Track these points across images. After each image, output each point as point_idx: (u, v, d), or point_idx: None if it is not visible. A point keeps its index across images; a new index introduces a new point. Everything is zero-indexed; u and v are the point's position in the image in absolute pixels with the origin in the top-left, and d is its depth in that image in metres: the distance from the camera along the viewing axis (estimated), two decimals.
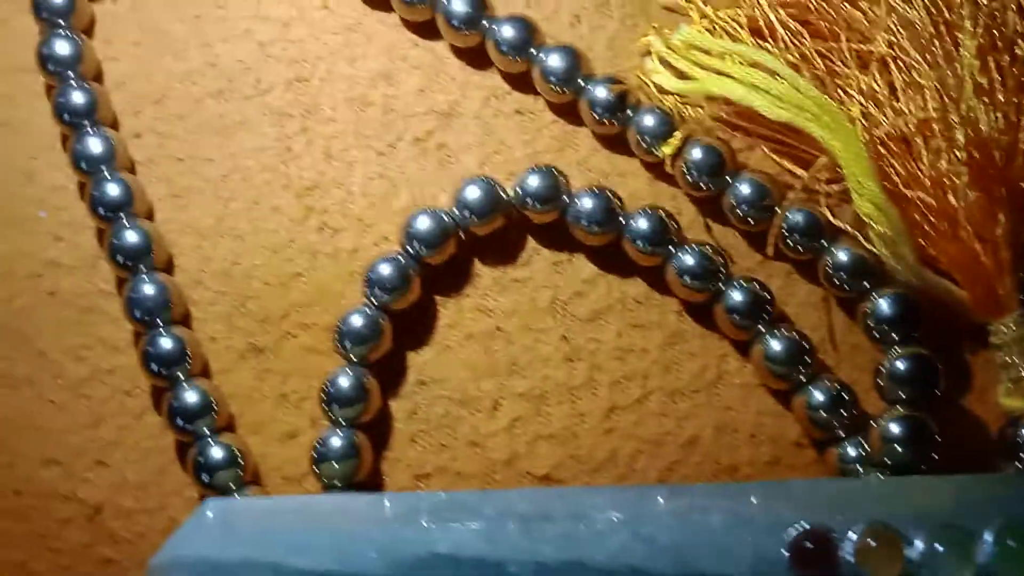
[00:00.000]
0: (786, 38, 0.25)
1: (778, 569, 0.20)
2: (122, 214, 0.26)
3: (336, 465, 0.25)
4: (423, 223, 0.26)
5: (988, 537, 0.20)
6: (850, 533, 0.20)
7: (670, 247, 0.26)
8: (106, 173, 0.27)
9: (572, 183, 0.26)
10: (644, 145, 0.26)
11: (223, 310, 0.27)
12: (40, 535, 0.26)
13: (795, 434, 0.25)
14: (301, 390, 0.26)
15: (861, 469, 0.24)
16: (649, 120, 0.26)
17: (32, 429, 0.26)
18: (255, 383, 0.26)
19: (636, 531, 0.20)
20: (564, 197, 0.26)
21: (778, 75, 0.24)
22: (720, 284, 0.25)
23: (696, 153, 0.26)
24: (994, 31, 0.24)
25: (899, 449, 0.23)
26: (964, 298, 0.24)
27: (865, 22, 0.25)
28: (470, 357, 0.26)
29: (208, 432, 0.25)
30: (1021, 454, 0.23)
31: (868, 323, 0.25)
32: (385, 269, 0.26)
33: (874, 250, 0.24)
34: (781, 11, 0.25)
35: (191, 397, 0.25)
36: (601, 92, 0.26)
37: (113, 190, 0.26)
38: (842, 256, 0.25)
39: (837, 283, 0.25)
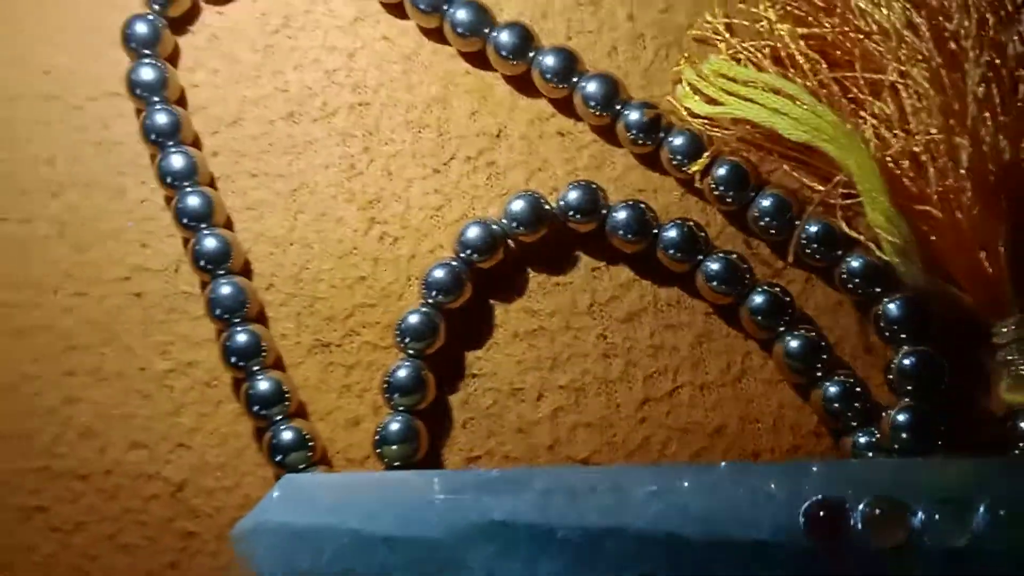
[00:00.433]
0: (805, 67, 0.27)
1: (795, 535, 0.22)
2: (203, 224, 0.29)
3: (396, 447, 0.27)
4: (475, 232, 0.28)
5: (982, 509, 0.22)
6: (860, 505, 0.22)
7: (699, 255, 0.28)
8: (189, 187, 0.29)
9: (609, 197, 0.29)
10: (675, 163, 0.29)
11: (293, 310, 0.29)
12: (128, 510, 0.28)
13: (813, 424, 0.27)
14: (363, 382, 0.28)
15: (872, 455, 0.26)
16: (680, 141, 0.28)
17: (121, 417, 0.29)
18: (322, 375, 0.29)
19: (671, 501, 0.23)
20: (602, 209, 0.28)
21: (798, 100, 0.26)
22: (745, 288, 0.27)
23: (723, 170, 0.28)
24: (996, 60, 0.26)
25: (906, 436, 0.25)
26: (968, 302, 0.26)
27: (878, 53, 0.27)
28: (516, 353, 0.28)
29: (281, 417, 0.27)
30: (1020, 443, 0.25)
31: (879, 324, 0.27)
32: (440, 273, 0.28)
33: (885, 258, 0.26)
34: (802, 43, 0.28)
35: (266, 386, 0.28)
36: (637, 115, 0.29)
37: (195, 202, 0.29)
38: (856, 264, 0.27)
39: (851, 288, 0.27)
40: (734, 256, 0.28)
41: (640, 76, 0.30)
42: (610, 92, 0.29)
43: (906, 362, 0.26)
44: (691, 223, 0.28)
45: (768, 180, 0.29)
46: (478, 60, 0.30)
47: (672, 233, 0.28)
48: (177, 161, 0.29)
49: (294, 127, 0.30)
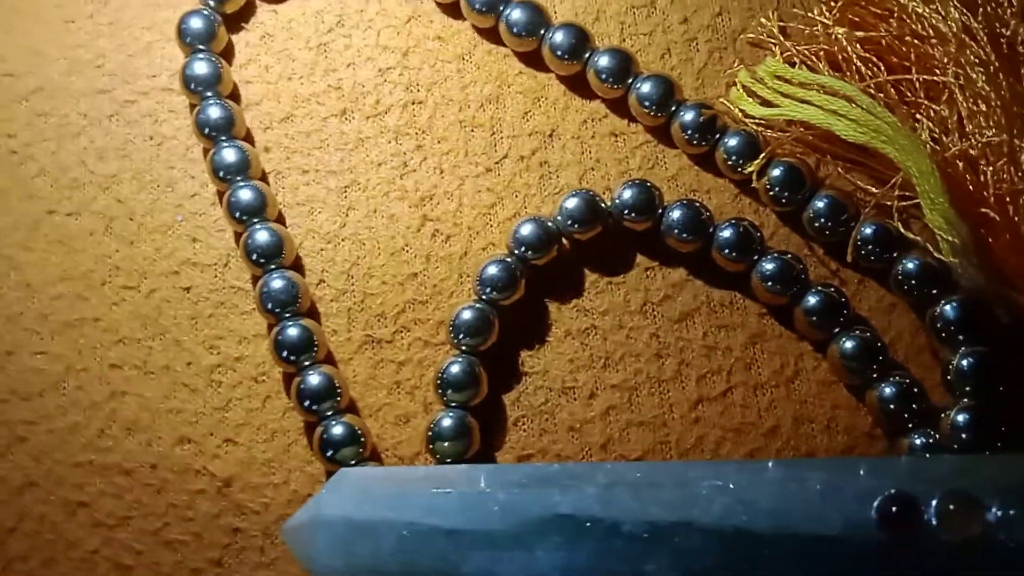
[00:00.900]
0: (862, 70, 0.28)
1: (867, 531, 0.22)
2: (256, 218, 0.29)
3: (448, 443, 0.27)
4: (529, 229, 0.28)
5: None
6: (933, 500, 0.22)
7: (754, 255, 0.28)
8: (242, 181, 0.29)
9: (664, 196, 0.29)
10: (731, 164, 0.29)
11: (344, 306, 0.29)
12: (174, 505, 0.28)
13: (867, 426, 0.27)
14: (414, 379, 0.28)
15: (929, 457, 0.26)
16: (736, 141, 0.29)
17: (168, 411, 0.28)
18: (372, 372, 0.29)
19: (738, 497, 0.22)
20: (657, 208, 0.28)
21: (856, 102, 0.27)
22: (800, 289, 0.27)
23: (778, 171, 0.28)
24: None
25: (966, 437, 0.25)
26: None
27: (934, 57, 0.27)
28: (569, 351, 0.28)
29: (332, 412, 0.27)
30: None
31: (936, 325, 0.27)
32: (495, 269, 0.28)
33: (943, 259, 0.26)
34: (858, 46, 0.28)
35: (318, 380, 0.27)
36: (692, 115, 0.29)
37: (249, 195, 0.29)
38: (912, 265, 0.27)
39: (907, 289, 0.27)
40: (789, 256, 0.28)
41: (693, 78, 0.30)
42: (666, 93, 0.29)
43: (964, 363, 0.26)
44: (746, 223, 0.28)
45: (823, 182, 0.29)
46: (532, 60, 0.31)
47: (727, 233, 0.28)
48: (230, 155, 0.29)
49: (347, 124, 0.30)
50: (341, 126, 0.30)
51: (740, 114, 0.29)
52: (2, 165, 0.30)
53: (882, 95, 0.27)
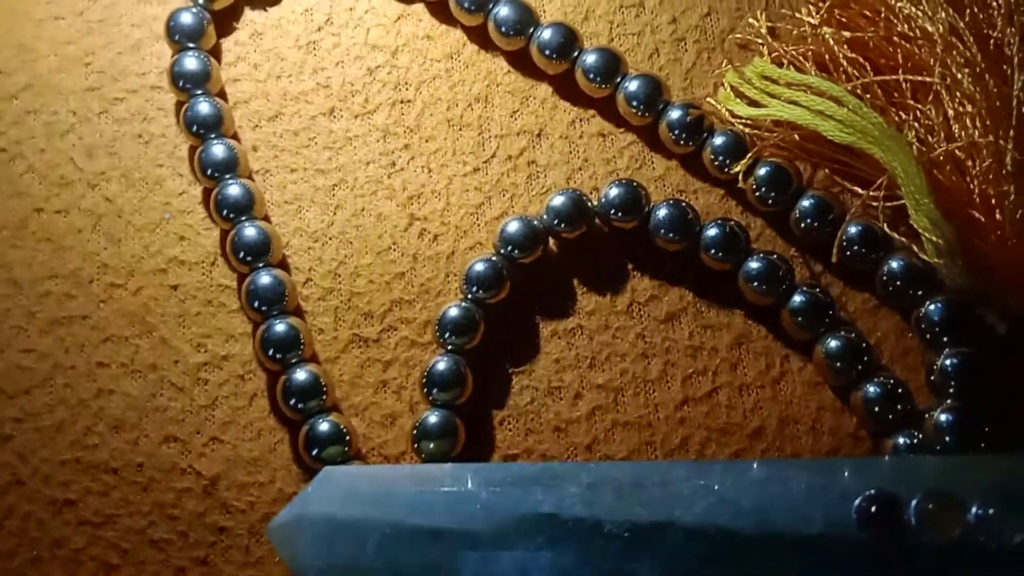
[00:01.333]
0: (849, 71, 0.28)
1: (848, 530, 0.22)
2: (244, 216, 0.29)
3: (434, 443, 0.27)
4: (515, 227, 0.28)
5: None
6: (913, 500, 0.22)
7: (740, 255, 0.28)
8: (230, 179, 0.29)
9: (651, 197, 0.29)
10: (717, 164, 0.29)
11: (330, 305, 0.29)
12: (159, 504, 0.28)
13: (852, 427, 0.27)
14: (400, 378, 0.28)
15: (912, 457, 0.26)
16: (723, 141, 0.28)
17: (155, 409, 0.28)
18: (358, 371, 0.28)
19: (722, 496, 0.22)
20: (643, 208, 0.28)
21: (843, 103, 0.27)
22: (786, 289, 0.27)
23: (765, 171, 0.28)
24: None
25: (949, 438, 0.25)
26: (1011, 301, 0.26)
27: (921, 58, 0.27)
28: (555, 351, 0.28)
29: (318, 411, 0.27)
30: None
31: (921, 326, 0.27)
32: (481, 267, 0.28)
33: (928, 260, 0.26)
34: (845, 47, 0.28)
35: (304, 378, 0.27)
36: (679, 115, 0.29)
37: (237, 192, 0.29)
38: (897, 265, 0.27)
39: (892, 290, 0.27)
40: (775, 257, 0.28)
41: (681, 79, 0.30)
42: (653, 92, 0.29)
43: (948, 364, 0.26)
44: (733, 222, 0.28)
45: (810, 183, 0.29)
46: (520, 60, 0.31)
47: (713, 232, 0.28)
48: (219, 152, 0.29)
49: (335, 123, 0.30)
50: (329, 124, 0.30)
51: (727, 114, 0.29)
52: None
53: (869, 96, 0.27)
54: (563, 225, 0.28)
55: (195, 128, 0.29)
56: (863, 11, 0.28)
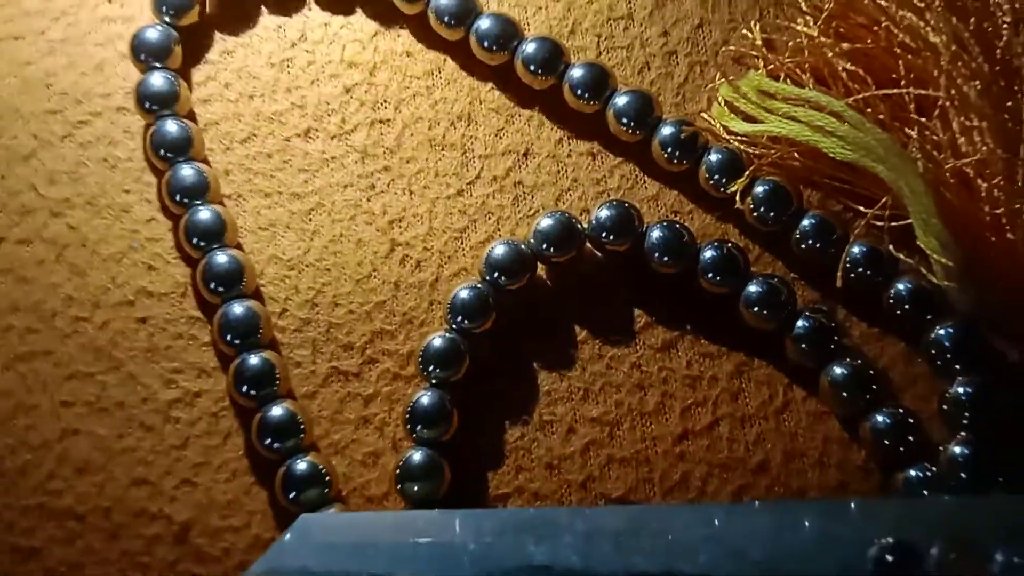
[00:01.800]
0: (849, 84, 0.26)
1: None
2: (215, 243, 0.27)
3: (418, 484, 0.25)
4: (502, 252, 0.27)
5: None
6: (933, 548, 0.21)
7: (739, 279, 0.27)
8: (200, 204, 0.28)
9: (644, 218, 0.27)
10: (713, 183, 0.27)
11: (308, 337, 0.28)
12: (128, 552, 0.26)
13: (860, 459, 0.26)
14: (382, 414, 0.27)
15: (927, 493, 0.25)
16: (718, 159, 0.27)
17: (122, 451, 0.27)
18: (338, 406, 0.27)
19: (726, 545, 0.21)
20: (636, 230, 0.27)
21: (845, 118, 0.25)
22: (788, 315, 0.26)
23: (763, 190, 0.27)
24: None
25: (965, 473, 0.24)
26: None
27: (925, 70, 0.26)
28: (545, 382, 0.27)
29: (296, 450, 0.26)
30: None
31: (931, 352, 0.26)
32: (466, 295, 0.26)
33: (937, 282, 0.25)
34: (845, 59, 0.27)
35: (280, 416, 0.26)
36: (672, 132, 0.28)
37: (207, 218, 0.27)
38: (905, 288, 0.26)
39: (899, 314, 0.26)
40: (776, 280, 0.27)
41: (673, 94, 0.29)
42: (644, 108, 0.28)
43: (961, 392, 0.25)
44: (731, 244, 0.27)
45: (810, 202, 0.28)
46: (505, 76, 0.30)
47: (711, 255, 0.27)
48: (188, 176, 0.28)
49: (311, 144, 0.29)
50: (305, 146, 0.29)
51: (722, 131, 0.28)
52: None
53: (870, 110, 0.26)
54: (552, 249, 0.27)
55: (163, 151, 0.28)
56: (862, 21, 0.27)
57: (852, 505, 0.23)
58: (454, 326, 0.27)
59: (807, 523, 0.21)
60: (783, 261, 0.28)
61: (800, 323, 0.26)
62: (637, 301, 0.28)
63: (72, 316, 0.28)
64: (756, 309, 0.26)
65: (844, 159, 0.26)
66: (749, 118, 0.27)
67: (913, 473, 0.25)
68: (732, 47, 0.29)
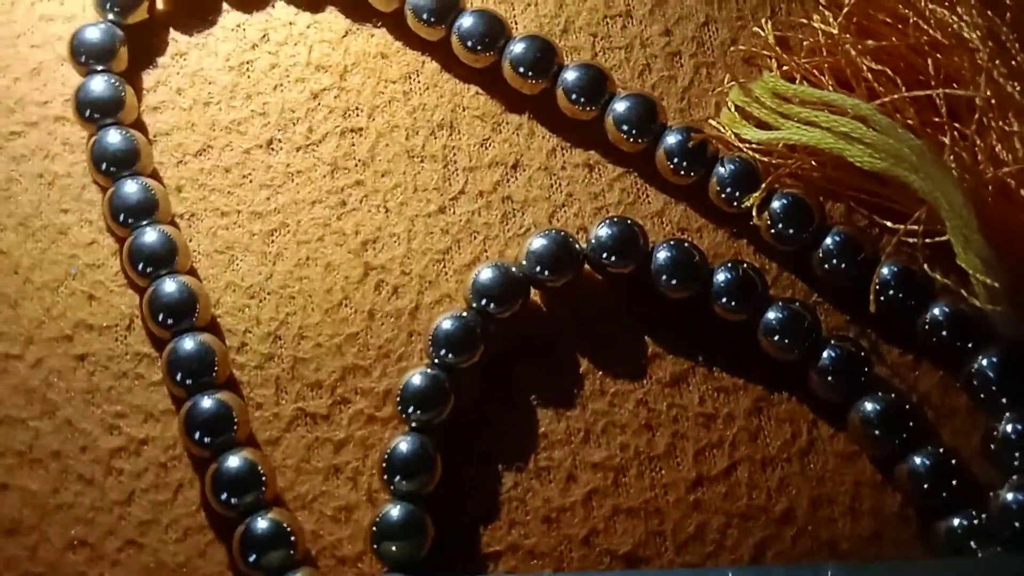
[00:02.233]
0: (875, 86, 0.25)
1: None
2: (164, 269, 0.26)
3: (397, 543, 0.23)
4: (489, 276, 0.25)
5: None
6: None
7: (757, 304, 0.25)
8: (147, 225, 0.26)
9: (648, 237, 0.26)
10: (725, 196, 0.26)
11: (270, 374, 0.26)
12: None
13: (896, 505, 0.24)
14: (355, 461, 0.25)
15: (974, 544, 0.23)
16: (730, 171, 0.26)
17: (58, 508, 0.25)
18: (305, 454, 0.25)
19: None
20: (641, 250, 0.25)
21: (872, 123, 0.24)
22: (812, 344, 0.25)
23: (781, 204, 0.26)
24: None
25: (1020, 522, 0.22)
26: None
27: (959, 68, 0.24)
28: (541, 423, 0.25)
29: (256, 506, 0.24)
30: None
31: (973, 384, 0.24)
32: (449, 325, 0.25)
33: (979, 305, 0.23)
34: (869, 58, 0.25)
35: (237, 467, 0.24)
36: (678, 140, 0.26)
37: (154, 241, 0.26)
38: (942, 313, 0.25)
39: (936, 342, 0.25)
40: (797, 305, 0.25)
41: (677, 98, 0.28)
42: (646, 114, 0.27)
43: (1011, 429, 0.23)
44: (746, 265, 0.25)
45: (834, 217, 0.26)
46: (491, 79, 0.28)
47: (724, 277, 0.25)
48: (134, 193, 0.26)
49: (274, 157, 0.28)
50: (267, 159, 0.28)
51: (734, 138, 0.26)
52: None
53: (899, 115, 0.25)
54: (546, 272, 0.25)
55: (105, 165, 0.27)
56: (887, 17, 0.26)
57: (885, 566, 0.20)
58: (436, 360, 0.25)
59: None
60: (805, 283, 0.26)
61: (826, 353, 0.25)
62: (643, 330, 0.26)
63: (1, 353, 0.26)
64: (776, 338, 0.25)
65: (872, 169, 0.24)
66: (763, 124, 0.26)
67: (957, 521, 0.23)
68: (742, 47, 0.28)
